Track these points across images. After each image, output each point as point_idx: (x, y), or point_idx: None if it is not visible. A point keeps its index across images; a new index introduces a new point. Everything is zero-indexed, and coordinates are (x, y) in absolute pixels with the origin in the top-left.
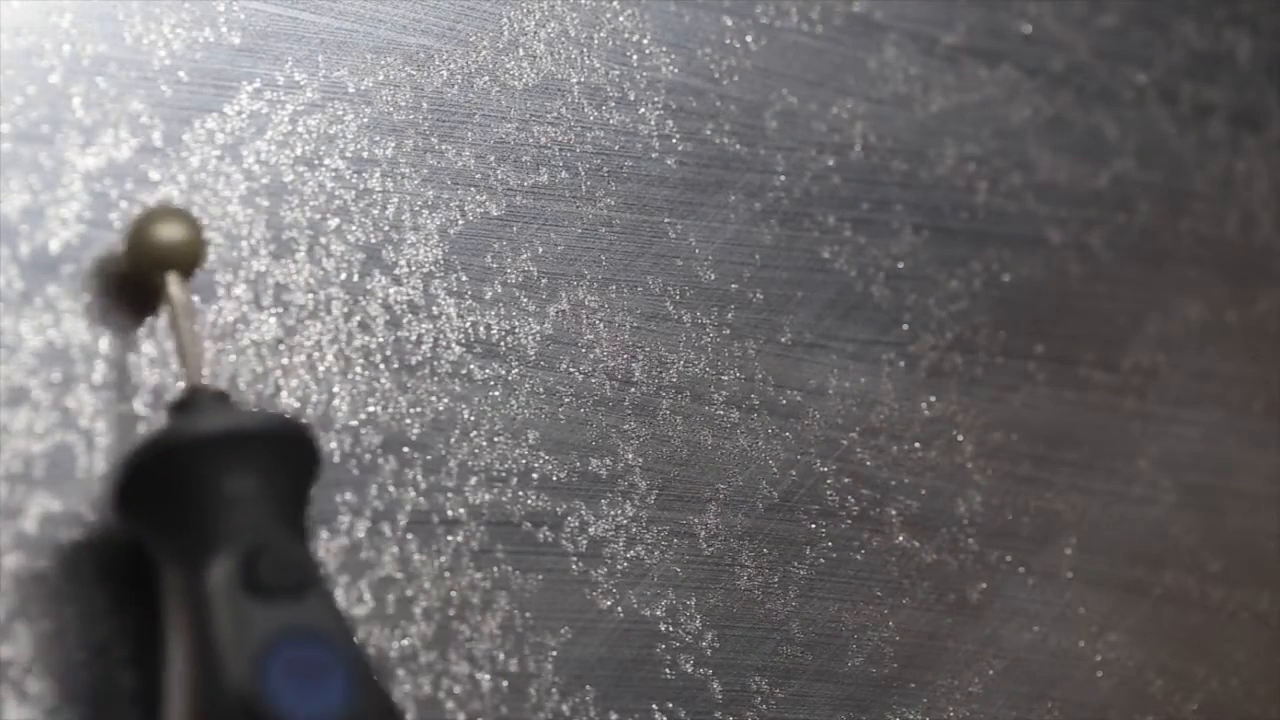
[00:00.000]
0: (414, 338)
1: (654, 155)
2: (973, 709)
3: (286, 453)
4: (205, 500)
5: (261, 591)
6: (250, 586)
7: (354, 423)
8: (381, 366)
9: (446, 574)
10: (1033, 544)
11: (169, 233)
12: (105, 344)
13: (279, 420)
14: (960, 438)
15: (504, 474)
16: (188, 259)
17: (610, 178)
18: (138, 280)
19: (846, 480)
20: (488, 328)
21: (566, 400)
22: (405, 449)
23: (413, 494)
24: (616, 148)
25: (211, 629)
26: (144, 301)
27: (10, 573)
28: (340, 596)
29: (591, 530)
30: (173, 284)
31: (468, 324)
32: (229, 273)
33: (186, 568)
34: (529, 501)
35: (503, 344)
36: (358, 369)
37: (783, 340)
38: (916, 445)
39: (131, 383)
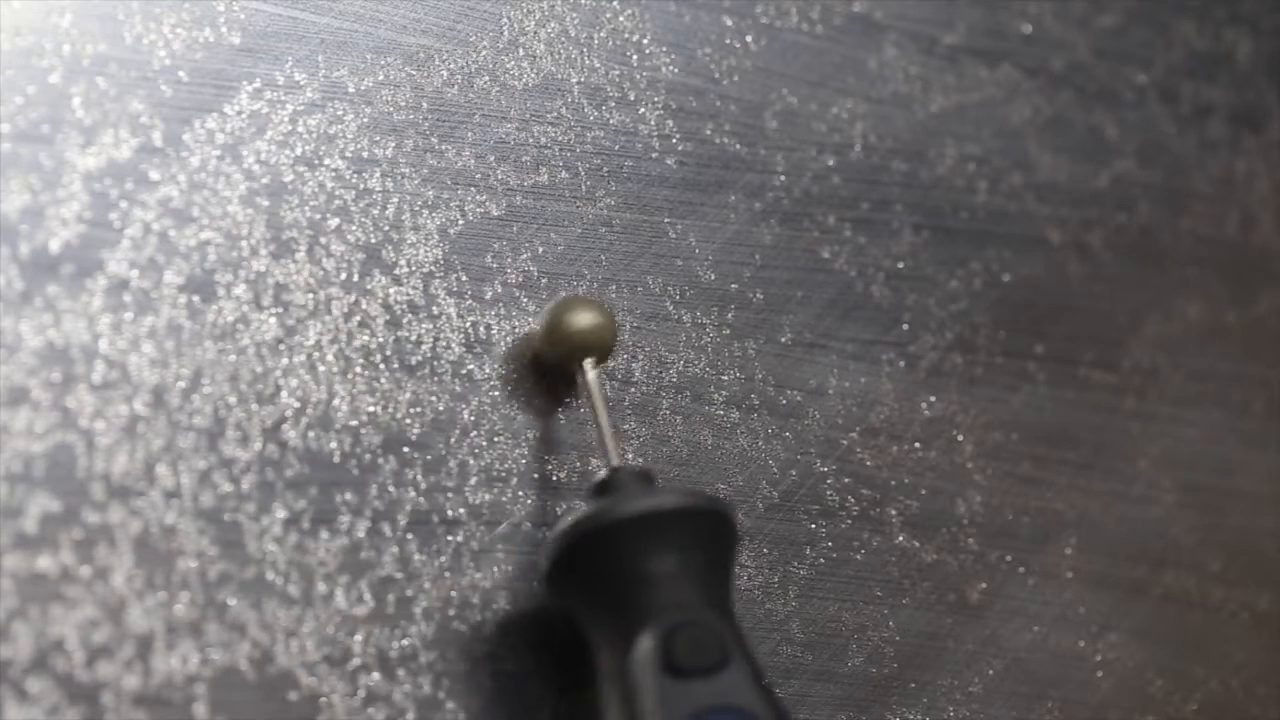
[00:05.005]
0: (414, 338)
1: (654, 155)
2: (973, 709)
3: (707, 529)
4: (628, 579)
5: (679, 671)
6: (668, 666)
7: (354, 423)
8: (381, 366)
9: (446, 574)
10: (1033, 544)
11: (585, 320)
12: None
13: (699, 498)
14: (960, 438)
15: (504, 474)
16: (602, 346)
17: (610, 178)
18: (553, 364)
19: (846, 480)
20: (488, 328)
21: (567, 400)
22: (405, 449)
23: (413, 494)
24: (616, 148)
25: (635, 707)
26: (557, 383)
27: (10, 572)
28: (340, 597)
29: None
30: (589, 370)
31: (468, 324)
32: (229, 273)
33: (613, 645)
34: (529, 501)
35: (503, 344)
36: (358, 369)
37: (783, 340)
38: (916, 445)
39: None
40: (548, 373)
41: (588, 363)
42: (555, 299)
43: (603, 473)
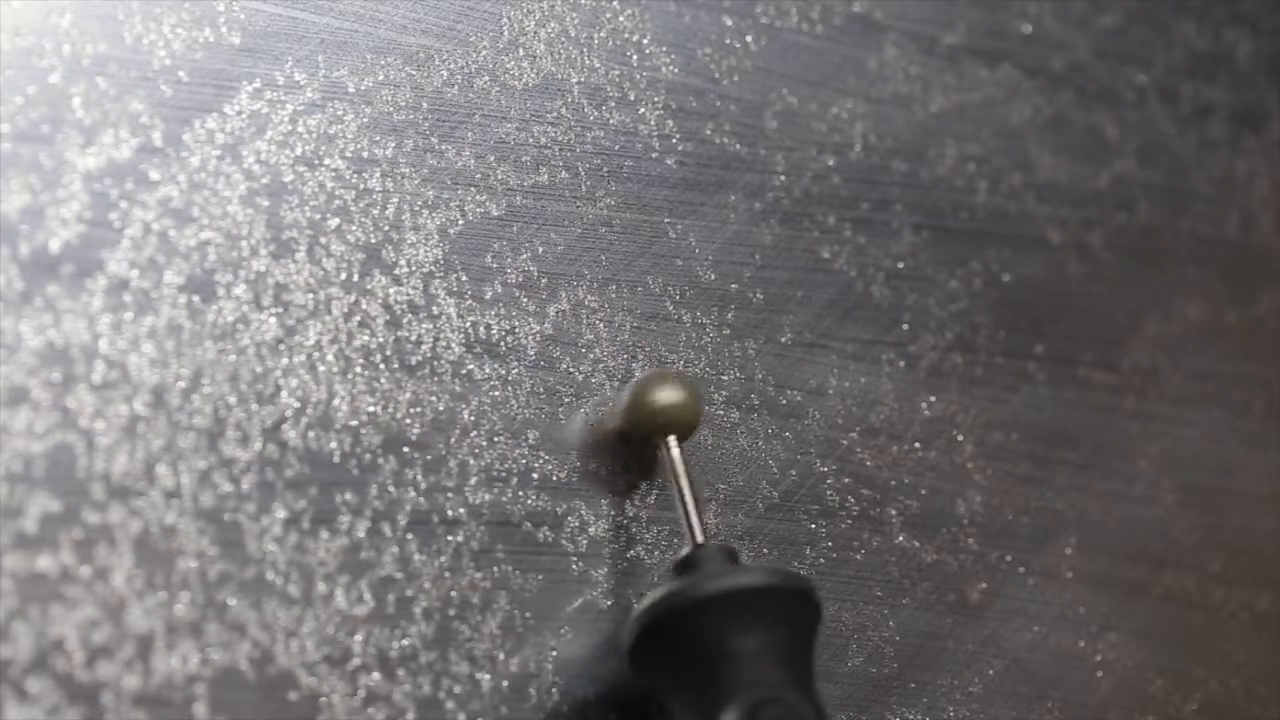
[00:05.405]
0: (414, 338)
1: (654, 155)
2: (973, 709)
3: (790, 607)
4: (713, 656)
5: None
6: None
7: (354, 423)
8: (381, 366)
9: (446, 574)
10: (1033, 544)
11: (669, 397)
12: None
13: (784, 576)
14: (960, 438)
15: (504, 474)
16: (686, 423)
17: (610, 178)
18: (634, 440)
19: (846, 480)
20: (488, 328)
21: (566, 400)
22: (405, 449)
23: (413, 494)
24: (616, 148)
25: None
26: (636, 460)
27: (10, 572)
28: (340, 597)
29: (591, 530)
30: (672, 447)
31: (468, 324)
32: (229, 273)
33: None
34: (529, 501)
35: (503, 344)
36: (358, 369)
37: (783, 340)
38: (916, 445)
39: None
40: (629, 446)
41: (671, 440)
42: (639, 375)
43: (686, 549)
